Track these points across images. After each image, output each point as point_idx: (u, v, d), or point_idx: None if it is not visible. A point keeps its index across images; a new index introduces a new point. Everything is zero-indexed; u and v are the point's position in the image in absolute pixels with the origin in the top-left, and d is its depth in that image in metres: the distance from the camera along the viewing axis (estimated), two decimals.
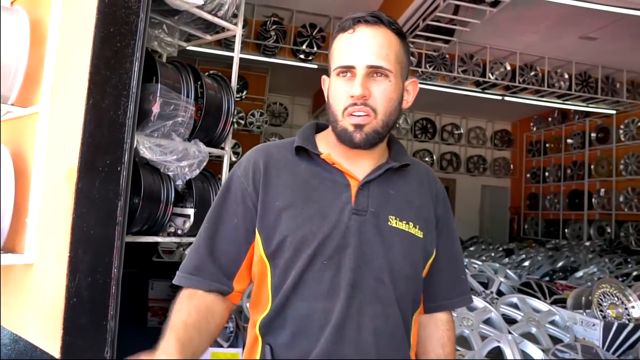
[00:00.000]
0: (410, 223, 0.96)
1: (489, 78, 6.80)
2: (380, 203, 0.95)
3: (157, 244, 5.11)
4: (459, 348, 2.36)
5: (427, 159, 10.49)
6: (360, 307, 0.88)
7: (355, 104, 0.91)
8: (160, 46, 2.37)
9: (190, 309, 0.90)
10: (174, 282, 0.95)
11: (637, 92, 7.81)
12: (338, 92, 0.94)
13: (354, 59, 0.92)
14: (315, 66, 6.63)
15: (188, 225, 2.22)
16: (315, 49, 6.30)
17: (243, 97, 8.12)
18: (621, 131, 8.35)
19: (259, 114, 8.30)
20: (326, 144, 1.00)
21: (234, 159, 6.40)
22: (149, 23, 1.67)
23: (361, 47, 0.92)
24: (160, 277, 5.16)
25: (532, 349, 2.16)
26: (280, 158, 0.99)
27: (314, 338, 0.88)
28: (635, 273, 5.16)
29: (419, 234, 0.97)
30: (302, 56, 6.44)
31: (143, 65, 1.60)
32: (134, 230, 2.14)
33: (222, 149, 2.53)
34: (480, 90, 7.28)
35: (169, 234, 2.25)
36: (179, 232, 2.24)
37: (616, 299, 2.87)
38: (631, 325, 2.68)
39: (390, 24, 0.95)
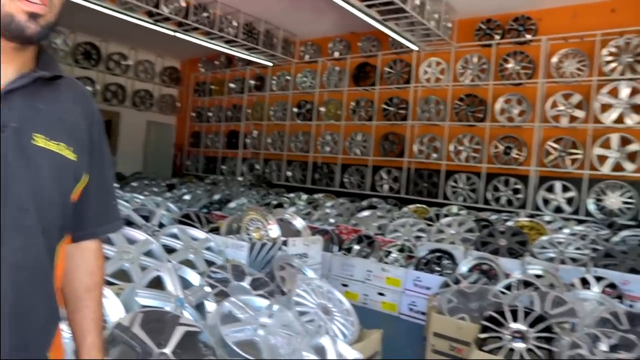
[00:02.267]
0: (61, 144, 0.84)
1: (163, 11, 6.62)
2: (26, 118, 0.80)
3: None
4: (119, 282, 2.33)
5: (89, 88, 9.61)
6: None
7: None
8: None
9: None
10: None
11: (289, 50, 9.02)
12: None
13: None
14: None
15: None
16: None
17: None
18: (274, 82, 9.56)
19: None
20: None
21: None
22: None
23: None
24: None
25: (189, 274, 2.31)
26: None
27: None
28: (275, 202, 6.12)
29: (72, 157, 0.86)
30: None
31: None
32: None
33: None
34: (152, 22, 7.02)
35: None
36: None
37: (260, 223, 3.35)
38: (269, 244, 3.19)
39: None
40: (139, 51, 10.63)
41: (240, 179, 9.21)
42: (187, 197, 6.89)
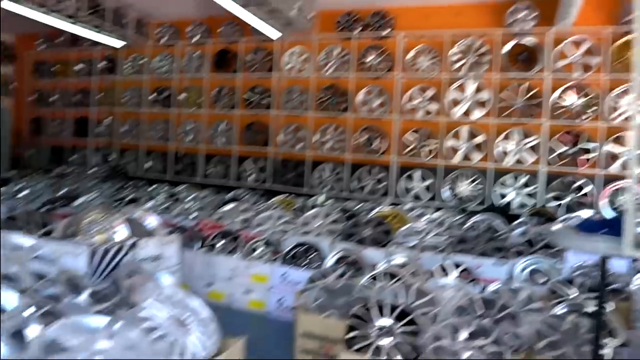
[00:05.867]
0: None
1: None
2: None
3: None
4: None
5: None
6: None
7: None
8: None
9: None
10: None
11: (143, 32, 8.27)
12: None
13: None
14: None
15: None
16: None
17: None
18: (127, 65, 8.72)
19: None
20: None
21: None
22: None
23: None
24: None
25: (3, 294, 1.86)
26: None
27: None
28: (129, 197, 5.55)
29: None
30: None
31: None
32: None
33: None
34: None
35: None
36: None
37: (103, 224, 2.92)
38: (115, 247, 2.79)
39: None
40: None
41: (92, 171, 8.29)
42: (24, 192, 5.97)
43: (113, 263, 2.74)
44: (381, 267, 3.52)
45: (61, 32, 9.15)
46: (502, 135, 6.12)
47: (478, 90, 6.23)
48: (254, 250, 4.11)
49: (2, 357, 1.60)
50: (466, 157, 6.30)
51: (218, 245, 4.27)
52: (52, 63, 9.71)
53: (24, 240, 2.59)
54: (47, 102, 9.74)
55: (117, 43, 8.28)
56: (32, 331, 1.81)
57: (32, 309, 1.89)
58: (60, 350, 1.65)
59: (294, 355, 2.84)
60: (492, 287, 3.26)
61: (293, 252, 3.96)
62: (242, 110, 7.61)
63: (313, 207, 5.08)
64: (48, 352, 1.61)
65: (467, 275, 3.44)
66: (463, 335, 2.29)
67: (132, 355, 1.73)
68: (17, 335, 1.78)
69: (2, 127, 10.04)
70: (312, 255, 3.89)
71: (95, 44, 8.76)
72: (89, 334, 1.75)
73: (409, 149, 6.56)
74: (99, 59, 9.04)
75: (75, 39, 9.32)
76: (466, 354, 2.20)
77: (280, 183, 7.22)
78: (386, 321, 2.36)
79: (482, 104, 6.22)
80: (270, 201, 5.68)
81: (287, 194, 6.16)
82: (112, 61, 8.95)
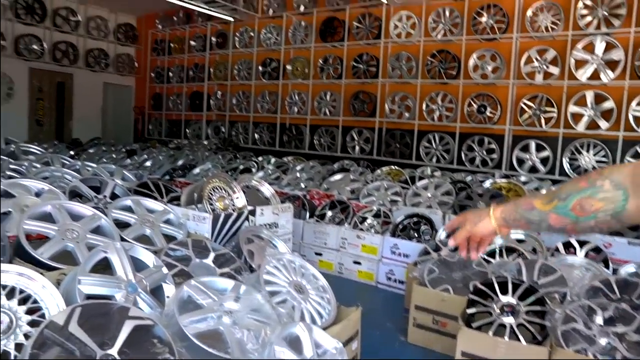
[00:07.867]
0: None
1: None
2: None
3: None
4: (62, 266, 2.01)
5: (34, 46, 8.88)
6: None
7: None
8: None
9: None
10: None
11: (252, 4, 8.47)
12: None
13: None
14: None
15: None
16: None
17: None
18: (237, 38, 9.03)
19: None
20: None
21: None
22: None
23: None
24: None
25: (142, 253, 2.01)
26: None
27: None
28: (241, 167, 5.80)
29: None
30: None
31: None
32: None
33: None
34: None
35: None
36: None
37: (224, 191, 3.05)
38: (235, 214, 2.91)
39: None
40: (89, 5, 9.83)
41: (205, 142, 8.79)
42: (148, 163, 6.49)
43: (234, 229, 2.87)
44: (499, 241, 3.34)
45: (177, 10, 9.70)
46: (636, 100, 5.45)
47: (608, 49, 5.58)
48: (364, 220, 4.10)
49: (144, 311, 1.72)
50: (591, 125, 5.72)
51: (328, 215, 4.32)
52: (169, 41, 10.34)
53: (155, 205, 2.79)
54: (164, 79, 10.43)
55: (229, 17, 8.58)
56: (168, 288, 1.95)
57: (166, 269, 2.02)
58: (194, 307, 1.75)
59: (408, 329, 2.80)
60: (626, 269, 2.96)
61: (403, 223, 3.88)
62: (348, 80, 7.56)
63: (421, 178, 4.94)
64: (182, 309, 1.72)
65: (597, 256, 3.14)
66: (599, 319, 2.09)
67: (257, 317, 1.79)
68: (157, 291, 1.92)
69: (126, 103, 10.97)
70: (424, 228, 3.79)
71: (208, 19, 9.17)
72: (219, 294, 1.84)
73: (525, 117, 6.10)
74: (210, 34, 9.44)
75: (189, 16, 9.83)
76: (603, 341, 2.01)
77: (386, 154, 7.12)
78: (510, 299, 2.23)
79: (612, 64, 5.58)
80: (377, 172, 5.62)
81: (393, 165, 6.06)
82: (223, 36, 9.31)
